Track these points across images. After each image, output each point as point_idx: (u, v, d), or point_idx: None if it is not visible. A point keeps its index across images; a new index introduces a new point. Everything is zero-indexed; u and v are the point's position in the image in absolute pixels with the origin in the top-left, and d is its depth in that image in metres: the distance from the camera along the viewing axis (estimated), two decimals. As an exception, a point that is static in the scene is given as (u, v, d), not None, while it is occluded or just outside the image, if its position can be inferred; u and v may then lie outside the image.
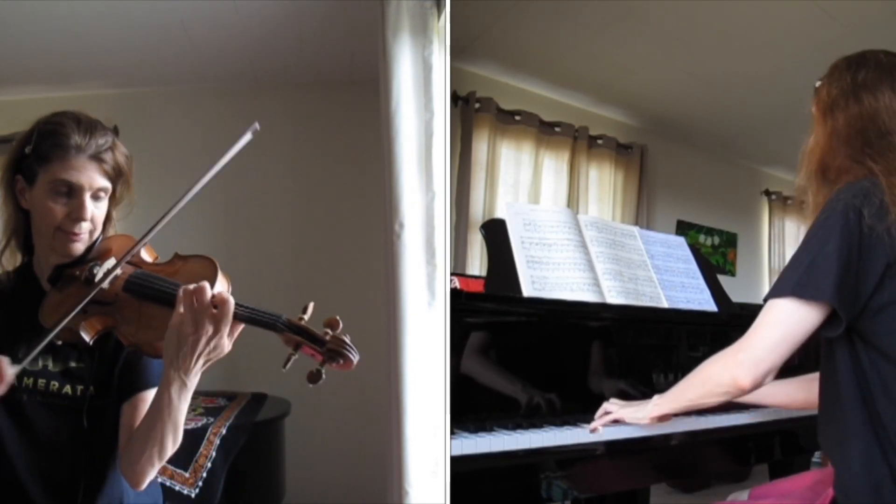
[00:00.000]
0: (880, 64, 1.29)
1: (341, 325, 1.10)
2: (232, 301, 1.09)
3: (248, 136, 1.22)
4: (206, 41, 3.15)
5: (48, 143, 1.22)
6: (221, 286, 1.17)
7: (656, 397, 1.43)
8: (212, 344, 1.09)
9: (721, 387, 1.22)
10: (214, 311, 1.08)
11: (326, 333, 1.09)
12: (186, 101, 3.63)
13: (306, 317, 1.11)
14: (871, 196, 1.15)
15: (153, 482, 1.37)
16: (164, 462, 1.20)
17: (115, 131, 1.32)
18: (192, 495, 2.31)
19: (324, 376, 1.07)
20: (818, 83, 1.36)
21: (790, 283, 1.15)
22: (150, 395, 1.25)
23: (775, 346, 1.15)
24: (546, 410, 1.50)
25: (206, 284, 1.09)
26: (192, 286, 1.09)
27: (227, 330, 1.10)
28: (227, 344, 1.11)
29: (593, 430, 1.43)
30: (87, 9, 2.79)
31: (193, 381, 1.13)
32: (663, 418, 1.43)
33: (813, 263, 1.14)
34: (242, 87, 3.66)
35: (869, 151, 1.22)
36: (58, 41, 3.06)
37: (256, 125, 1.22)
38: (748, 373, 1.16)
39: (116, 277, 1.19)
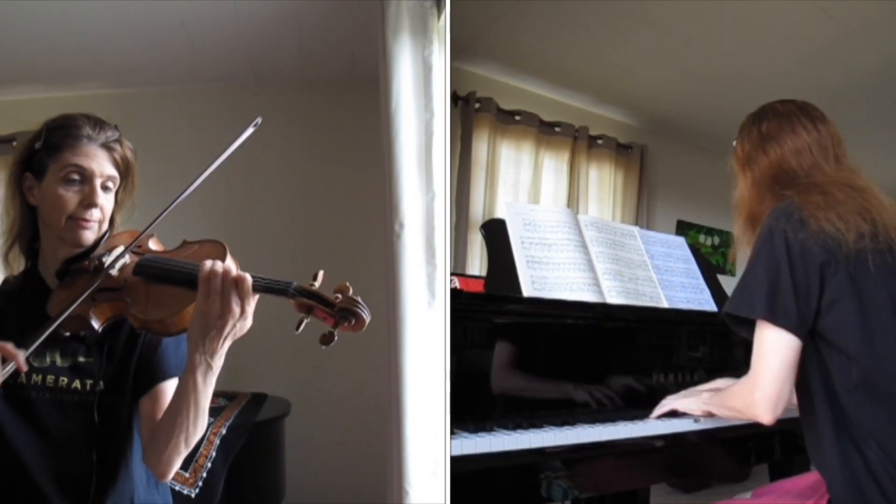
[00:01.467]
0: (778, 113, 1.46)
1: (351, 290, 1.12)
2: (249, 277, 1.11)
3: (249, 131, 1.28)
4: (206, 41, 3.15)
5: (60, 133, 1.25)
6: (232, 267, 1.18)
7: (706, 395, 1.56)
8: (238, 325, 1.12)
9: (747, 419, 1.36)
10: (236, 290, 1.10)
11: (337, 297, 1.11)
12: (186, 101, 3.63)
13: (317, 283, 1.13)
14: (791, 213, 1.28)
15: (164, 485, 1.37)
16: (190, 449, 1.22)
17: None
18: (192, 495, 2.31)
19: (336, 338, 1.09)
20: (735, 143, 1.54)
21: (730, 304, 1.33)
22: (169, 385, 1.27)
23: (778, 375, 1.25)
24: (546, 410, 1.50)
25: (230, 265, 1.12)
26: (213, 265, 1.11)
27: (250, 308, 1.12)
28: (249, 320, 1.13)
29: (654, 417, 1.58)
30: (87, 9, 2.79)
31: (219, 362, 1.15)
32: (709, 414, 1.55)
33: (744, 284, 1.32)
34: (242, 87, 3.66)
35: (784, 191, 1.37)
36: (58, 41, 3.06)
37: (258, 119, 1.28)
38: (766, 410, 1.26)
39: (125, 265, 1.21)
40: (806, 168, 1.39)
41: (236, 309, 1.10)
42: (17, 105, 3.34)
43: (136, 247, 1.25)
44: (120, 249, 1.24)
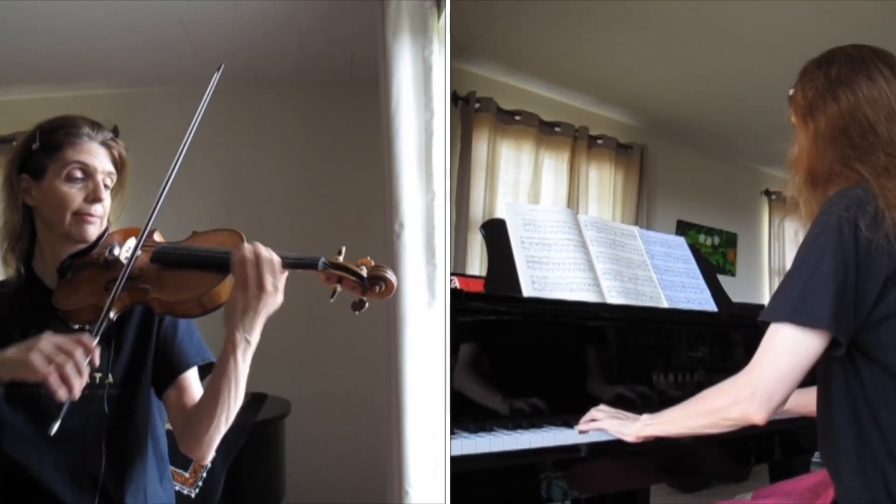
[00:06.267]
0: (851, 57, 1.26)
1: (373, 263, 1.18)
2: (278, 257, 1.17)
3: (216, 77, 1.36)
4: (206, 41, 3.15)
5: (60, 133, 1.27)
6: (262, 249, 1.21)
7: (647, 417, 1.38)
8: (270, 301, 1.16)
9: (729, 420, 1.18)
10: (270, 270, 1.15)
11: (361, 268, 1.16)
12: (186, 101, 3.61)
13: (341, 258, 1.18)
14: (865, 205, 1.11)
15: (169, 481, 1.38)
16: (229, 426, 1.25)
17: (115, 131, 1.34)
18: (192, 495, 2.31)
19: (367, 305, 1.15)
20: (791, 91, 1.34)
21: (786, 308, 1.11)
22: (191, 374, 1.32)
23: (785, 377, 1.11)
24: (546, 410, 1.50)
25: (259, 247, 1.17)
26: (246, 251, 1.15)
27: (282, 285, 1.17)
28: (280, 295, 1.17)
29: (581, 432, 1.42)
30: (87, 9, 2.79)
31: (256, 338, 1.19)
32: (648, 439, 1.37)
33: (808, 286, 1.10)
34: (242, 87, 3.66)
35: (854, 153, 1.19)
36: (58, 41, 3.06)
37: (222, 64, 1.36)
38: (761, 408, 1.12)
39: (139, 255, 1.22)
40: (884, 121, 1.19)
41: (270, 288, 1.15)
42: (17, 105, 3.34)
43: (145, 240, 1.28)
44: (131, 241, 1.26)
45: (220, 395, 1.21)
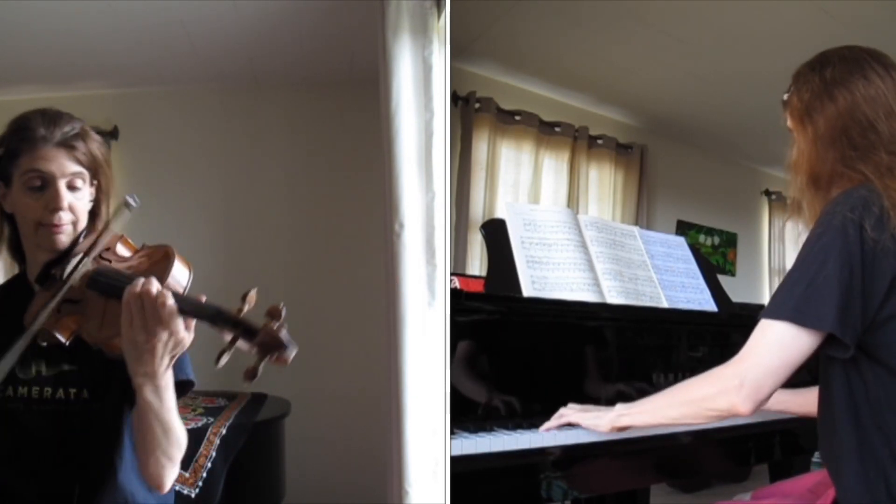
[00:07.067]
0: (844, 58, 1.25)
1: (283, 315, 1.01)
2: (170, 300, 1.04)
3: (126, 213, 1.19)
4: (206, 41, 3.15)
5: (16, 139, 1.21)
6: (181, 275, 1.13)
7: (621, 406, 1.35)
8: (170, 344, 1.06)
9: (715, 411, 1.17)
10: (157, 313, 1.03)
11: (267, 323, 1.00)
12: (186, 101, 3.63)
13: (247, 306, 1.02)
14: (870, 205, 1.10)
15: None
16: (176, 462, 1.18)
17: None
18: (192, 495, 2.31)
19: (259, 372, 0.99)
20: (786, 95, 1.33)
21: (788, 308, 1.10)
22: None
23: (775, 371, 1.10)
24: (546, 410, 1.50)
25: (153, 285, 1.04)
26: (132, 289, 1.04)
27: (180, 327, 1.06)
28: (187, 337, 1.07)
29: (546, 430, 1.39)
30: (86, 8, 2.79)
31: (165, 378, 1.09)
32: (624, 429, 1.36)
33: (812, 287, 1.08)
34: (242, 86, 3.66)
35: (856, 153, 1.18)
36: (58, 41, 3.06)
37: (132, 201, 1.19)
38: (748, 400, 1.10)
39: (85, 273, 1.15)
40: (884, 118, 1.18)
41: (162, 333, 1.04)
42: (17, 105, 3.33)
43: (103, 250, 1.19)
44: (77, 259, 1.17)
45: (146, 434, 1.13)
